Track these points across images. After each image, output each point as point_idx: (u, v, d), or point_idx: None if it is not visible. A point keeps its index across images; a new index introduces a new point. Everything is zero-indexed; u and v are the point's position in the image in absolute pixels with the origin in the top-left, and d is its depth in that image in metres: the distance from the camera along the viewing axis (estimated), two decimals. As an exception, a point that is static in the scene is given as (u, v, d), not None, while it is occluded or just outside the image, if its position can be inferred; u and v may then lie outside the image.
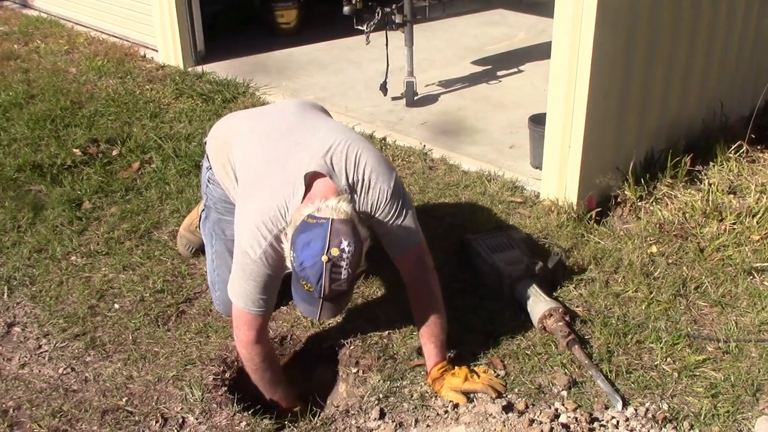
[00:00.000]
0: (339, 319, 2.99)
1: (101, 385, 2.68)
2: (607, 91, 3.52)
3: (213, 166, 2.88)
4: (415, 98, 5.27)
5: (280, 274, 2.51)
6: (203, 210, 3.10)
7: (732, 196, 3.75)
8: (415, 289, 2.69)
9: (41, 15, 7.48)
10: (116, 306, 3.11)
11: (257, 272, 2.45)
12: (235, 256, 2.52)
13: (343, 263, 2.19)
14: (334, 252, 2.17)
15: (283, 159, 2.55)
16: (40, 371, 2.76)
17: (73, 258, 3.43)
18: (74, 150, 4.38)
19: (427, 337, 2.64)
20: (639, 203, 3.70)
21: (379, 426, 2.48)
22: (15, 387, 2.68)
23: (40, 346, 2.89)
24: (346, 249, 2.19)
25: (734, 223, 3.53)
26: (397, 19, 5.08)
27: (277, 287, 2.56)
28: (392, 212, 2.54)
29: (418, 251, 2.65)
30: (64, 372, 2.75)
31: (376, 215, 2.54)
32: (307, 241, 2.20)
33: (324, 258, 2.17)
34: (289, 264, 2.29)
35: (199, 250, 3.35)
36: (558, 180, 3.70)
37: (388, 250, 2.65)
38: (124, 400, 2.61)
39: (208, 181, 2.96)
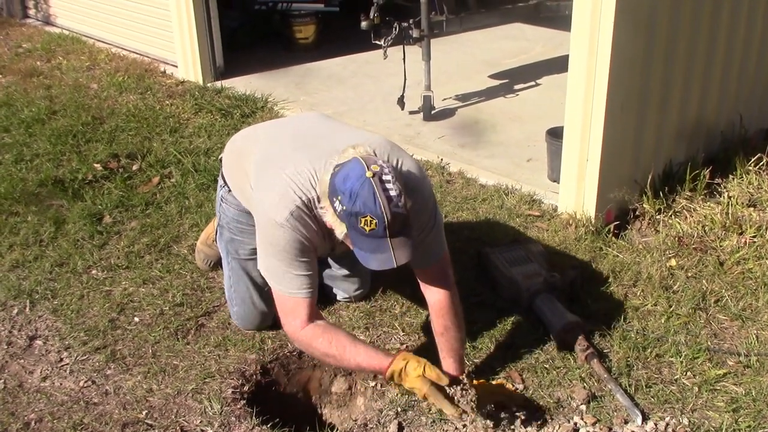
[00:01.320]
0: (359, 334, 3.00)
1: (121, 398, 2.70)
2: (624, 102, 3.52)
3: (228, 182, 2.88)
4: (433, 112, 5.29)
5: (313, 243, 2.41)
6: (218, 227, 3.11)
7: (752, 209, 3.72)
8: (436, 302, 2.63)
9: (63, 32, 7.59)
10: (136, 319, 3.13)
11: (287, 239, 2.35)
12: (259, 235, 2.45)
13: (389, 177, 2.16)
14: (375, 168, 2.15)
15: (313, 145, 2.51)
16: (61, 384, 2.78)
17: (93, 272, 3.47)
18: (95, 165, 4.43)
19: (447, 351, 2.62)
20: (658, 216, 3.68)
21: (397, 440, 2.49)
22: (37, 400, 2.70)
23: (61, 359, 2.92)
24: (384, 165, 2.19)
25: (754, 237, 3.50)
26: (415, 33, 5.11)
27: (314, 261, 2.44)
28: (424, 222, 2.49)
29: (443, 264, 2.60)
30: (85, 385, 2.77)
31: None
32: (345, 175, 2.17)
33: (368, 174, 2.13)
34: (337, 226, 2.23)
35: (218, 264, 3.38)
36: (576, 193, 3.70)
37: (412, 262, 2.53)
38: (144, 413, 2.62)
39: (222, 200, 2.94)
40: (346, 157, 2.25)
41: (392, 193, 2.15)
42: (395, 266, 2.21)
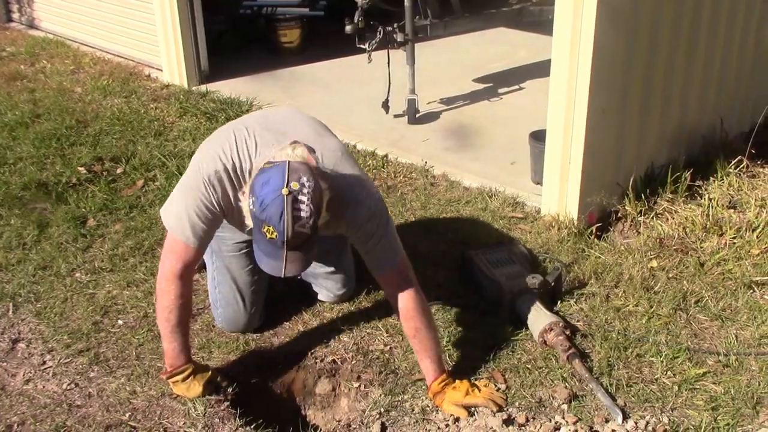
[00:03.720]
0: (343, 336, 3.01)
1: (105, 400, 2.70)
2: (606, 105, 3.55)
3: None
4: (417, 116, 5.31)
5: (222, 208, 2.49)
6: None
7: (732, 210, 3.77)
8: (402, 307, 2.64)
9: (47, 36, 7.57)
10: (120, 322, 3.13)
11: (200, 195, 2.44)
12: (184, 175, 2.54)
13: (304, 198, 2.17)
14: (294, 185, 2.16)
15: (268, 127, 2.59)
16: (44, 387, 2.78)
17: (77, 275, 3.46)
18: (79, 168, 4.42)
19: (423, 353, 2.63)
20: (639, 218, 3.72)
21: (380, 440, 2.50)
22: (19, 402, 2.69)
23: (44, 362, 2.91)
24: (306, 183, 2.18)
25: (734, 238, 3.54)
26: (399, 37, 5.13)
27: (214, 228, 2.54)
28: (370, 232, 2.53)
29: (401, 269, 2.62)
30: (68, 387, 2.77)
31: (357, 233, 2.55)
32: (265, 180, 2.19)
33: (284, 191, 2.15)
34: (249, 218, 2.28)
35: (201, 267, 3.37)
36: (558, 196, 3.72)
37: (371, 269, 2.64)
38: (127, 415, 2.62)
39: None
40: (281, 156, 2.29)
41: (302, 213, 2.18)
42: (282, 276, 2.28)
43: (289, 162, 2.22)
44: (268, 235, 2.21)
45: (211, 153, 2.51)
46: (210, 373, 2.72)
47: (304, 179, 2.19)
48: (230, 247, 2.92)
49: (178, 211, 2.49)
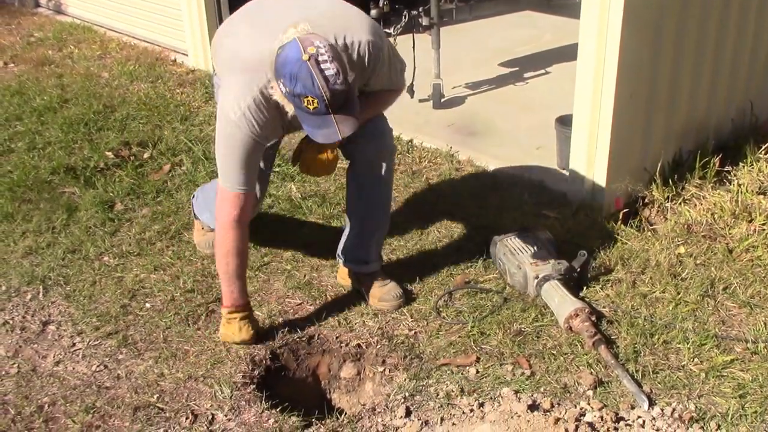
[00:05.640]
0: (368, 320, 3.02)
1: (133, 382, 2.73)
2: (633, 92, 3.51)
3: (215, 67, 2.92)
4: (442, 100, 5.29)
5: (263, 142, 2.61)
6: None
7: (762, 196, 3.71)
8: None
9: (75, 21, 7.62)
10: (147, 305, 3.17)
11: (239, 137, 2.54)
12: (218, 131, 2.59)
13: (325, 57, 2.29)
14: (311, 50, 2.28)
15: (270, 19, 2.63)
16: (74, 368, 2.82)
17: (105, 258, 3.50)
18: (107, 153, 4.46)
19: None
20: (667, 204, 3.68)
21: (404, 424, 2.50)
22: (50, 384, 2.74)
23: (74, 344, 2.96)
24: (320, 45, 2.30)
25: (764, 224, 3.49)
26: (424, 21, 5.11)
27: (258, 162, 2.67)
28: (385, 72, 2.76)
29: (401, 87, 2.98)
30: (97, 369, 2.81)
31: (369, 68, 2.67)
32: (283, 59, 2.31)
33: (304, 57, 2.27)
34: (281, 99, 2.41)
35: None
36: (585, 181, 3.70)
37: (380, 86, 2.87)
38: (155, 397, 2.66)
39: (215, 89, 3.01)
40: (288, 37, 2.37)
41: (329, 72, 2.29)
42: (340, 139, 2.42)
43: (297, 37, 2.33)
44: (311, 107, 2.31)
45: (235, 92, 2.55)
46: (259, 325, 2.89)
47: (317, 43, 2.30)
48: None
49: (227, 165, 2.59)
